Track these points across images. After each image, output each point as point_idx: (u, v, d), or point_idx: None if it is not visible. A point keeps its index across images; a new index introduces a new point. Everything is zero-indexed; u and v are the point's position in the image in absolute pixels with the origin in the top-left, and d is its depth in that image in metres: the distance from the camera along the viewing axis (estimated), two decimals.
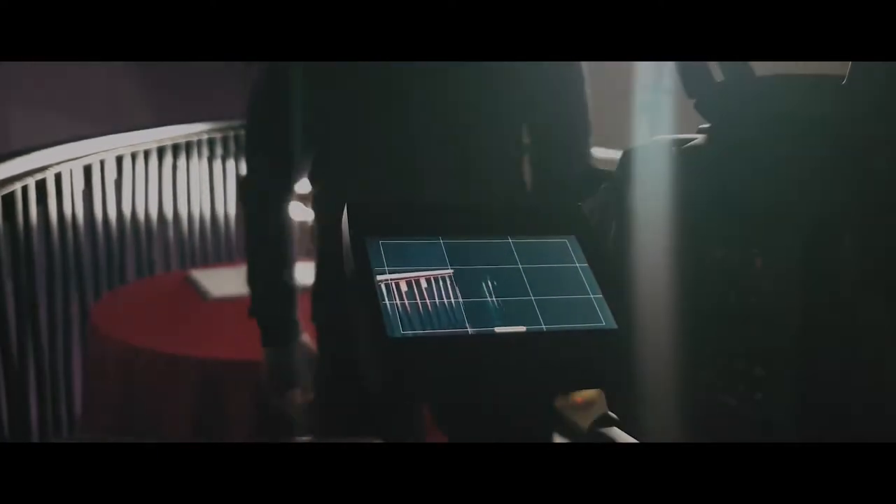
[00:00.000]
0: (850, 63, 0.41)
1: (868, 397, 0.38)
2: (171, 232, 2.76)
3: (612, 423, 0.49)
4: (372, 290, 0.41)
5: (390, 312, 0.41)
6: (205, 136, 2.85)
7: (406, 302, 0.42)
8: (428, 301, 0.42)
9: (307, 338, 1.31)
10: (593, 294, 0.45)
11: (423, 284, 0.43)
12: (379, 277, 0.42)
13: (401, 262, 0.43)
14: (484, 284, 0.44)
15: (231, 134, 2.90)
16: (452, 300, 0.43)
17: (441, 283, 0.43)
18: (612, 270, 0.46)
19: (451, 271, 0.44)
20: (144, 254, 2.62)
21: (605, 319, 0.44)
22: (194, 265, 2.74)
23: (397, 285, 0.42)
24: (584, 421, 0.49)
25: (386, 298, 0.41)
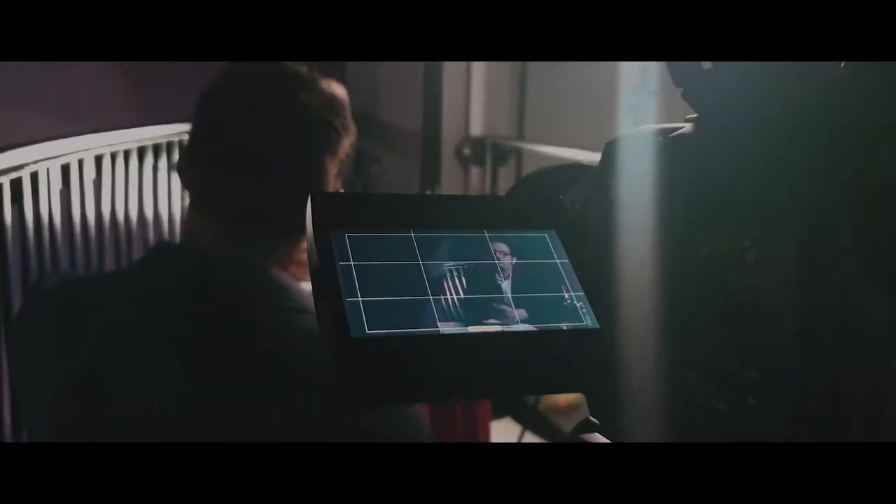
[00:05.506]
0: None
1: (867, 398, 0.35)
2: (150, 233, 2.73)
3: (593, 428, 0.47)
4: (336, 287, 0.39)
5: (355, 310, 0.38)
6: (185, 136, 2.82)
7: (373, 299, 0.39)
8: (397, 298, 0.39)
9: None
10: (574, 291, 0.43)
11: (392, 281, 0.40)
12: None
13: (368, 256, 0.40)
14: (457, 281, 0.41)
15: None
16: (423, 297, 0.40)
17: (411, 278, 0.41)
18: (595, 266, 0.44)
19: (422, 266, 0.41)
20: (123, 255, 2.58)
21: (586, 318, 0.42)
22: None
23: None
24: (568, 425, 0.46)
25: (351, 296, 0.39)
